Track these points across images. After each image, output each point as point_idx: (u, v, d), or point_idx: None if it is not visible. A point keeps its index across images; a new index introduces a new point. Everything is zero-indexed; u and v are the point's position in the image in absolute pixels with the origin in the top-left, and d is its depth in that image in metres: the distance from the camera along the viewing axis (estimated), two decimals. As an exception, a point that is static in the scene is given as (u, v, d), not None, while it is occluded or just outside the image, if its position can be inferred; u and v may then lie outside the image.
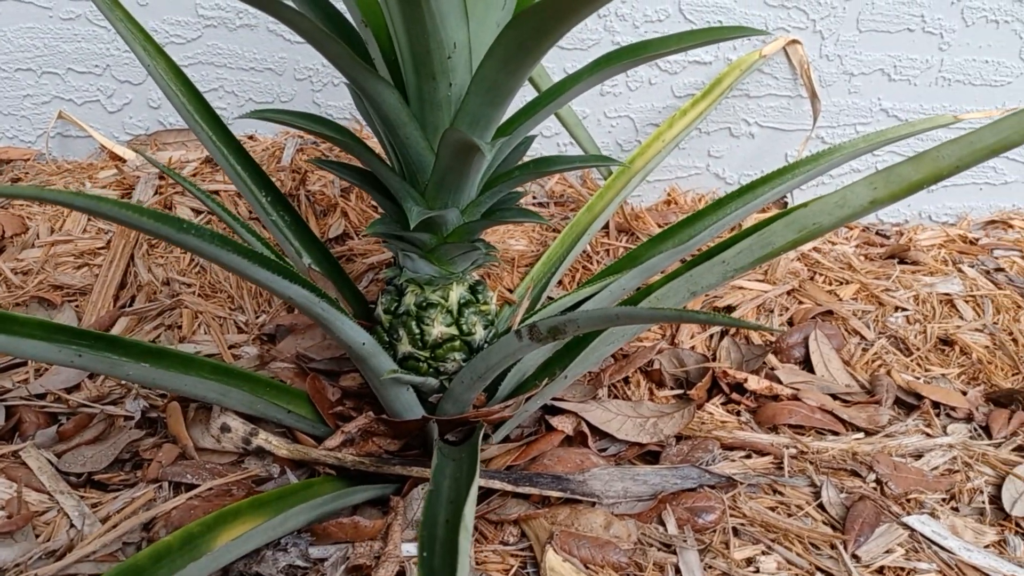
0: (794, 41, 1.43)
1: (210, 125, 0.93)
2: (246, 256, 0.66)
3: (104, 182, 1.28)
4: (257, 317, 1.09)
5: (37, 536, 0.78)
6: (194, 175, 1.31)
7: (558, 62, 1.40)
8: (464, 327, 0.91)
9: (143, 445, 0.90)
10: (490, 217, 0.87)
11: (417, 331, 0.89)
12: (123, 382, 0.98)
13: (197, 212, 1.23)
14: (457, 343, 0.90)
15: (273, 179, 1.27)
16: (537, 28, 0.64)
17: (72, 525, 0.80)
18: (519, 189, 0.90)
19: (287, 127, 1.43)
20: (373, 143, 1.37)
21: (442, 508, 0.61)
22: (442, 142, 0.73)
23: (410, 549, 0.80)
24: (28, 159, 1.37)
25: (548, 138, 1.48)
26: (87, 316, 1.07)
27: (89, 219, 1.21)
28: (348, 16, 0.81)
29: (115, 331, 1.05)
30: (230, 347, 1.04)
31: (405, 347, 0.90)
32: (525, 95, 1.32)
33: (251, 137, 1.41)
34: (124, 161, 1.36)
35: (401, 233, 0.85)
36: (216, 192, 1.26)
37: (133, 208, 0.58)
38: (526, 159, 0.90)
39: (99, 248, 1.16)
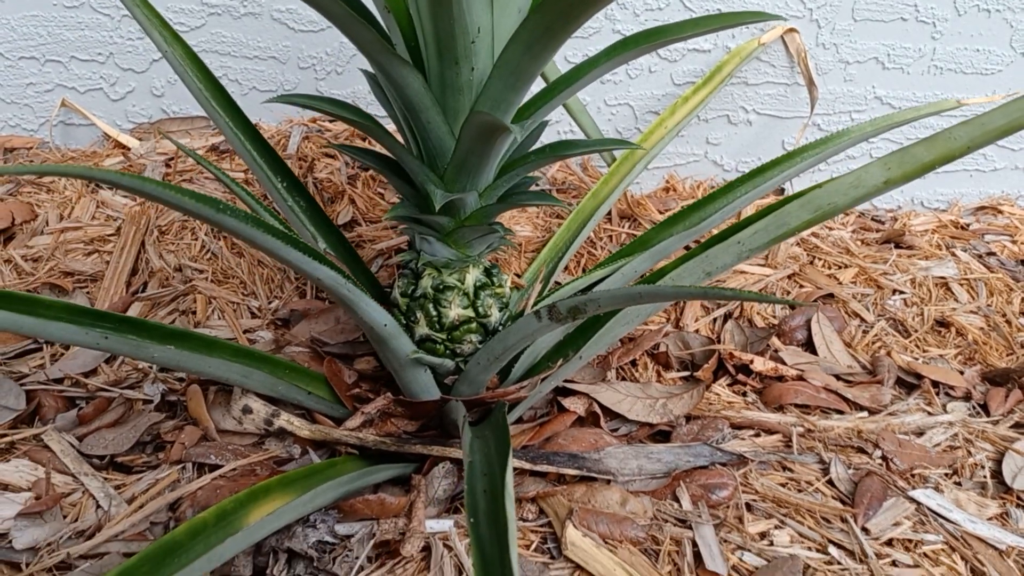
0: (792, 30, 1.45)
1: (227, 111, 0.93)
2: (280, 238, 0.67)
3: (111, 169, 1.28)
4: (270, 302, 1.10)
5: (65, 517, 0.79)
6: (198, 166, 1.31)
7: (558, 50, 1.41)
8: (480, 309, 0.92)
9: (163, 428, 0.91)
10: (507, 200, 0.88)
11: (434, 313, 0.91)
12: (140, 366, 0.99)
13: (205, 199, 1.24)
14: (473, 325, 0.92)
15: (281, 166, 1.28)
16: (563, 12, 0.66)
17: (99, 506, 0.80)
18: (534, 174, 0.92)
19: (291, 116, 1.44)
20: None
21: (478, 480, 0.62)
22: (466, 124, 0.75)
23: (433, 525, 0.81)
24: (31, 147, 1.36)
25: (550, 125, 1.49)
26: (99, 302, 1.07)
27: (98, 206, 1.21)
28: (369, 2, 0.82)
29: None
30: (245, 332, 1.05)
31: (423, 329, 0.91)
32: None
33: (256, 126, 1.41)
34: (128, 149, 1.36)
35: (420, 216, 0.86)
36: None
37: (175, 188, 0.59)
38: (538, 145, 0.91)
39: (109, 235, 1.16)
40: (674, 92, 1.49)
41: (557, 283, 1.20)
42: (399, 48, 0.81)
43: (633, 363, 1.13)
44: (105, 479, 0.84)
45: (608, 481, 0.91)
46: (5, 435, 0.87)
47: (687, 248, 1.26)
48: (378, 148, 1.04)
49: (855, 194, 0.75)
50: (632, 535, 0.84)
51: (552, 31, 0.69)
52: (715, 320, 1.23)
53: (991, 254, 1.48)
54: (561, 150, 0.87)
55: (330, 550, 0.77)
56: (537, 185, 1.48)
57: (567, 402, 1.02)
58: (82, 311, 0.75)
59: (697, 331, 1.21)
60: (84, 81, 1.38)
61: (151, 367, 0.99)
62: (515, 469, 0.89)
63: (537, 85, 0.92)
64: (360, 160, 0.87)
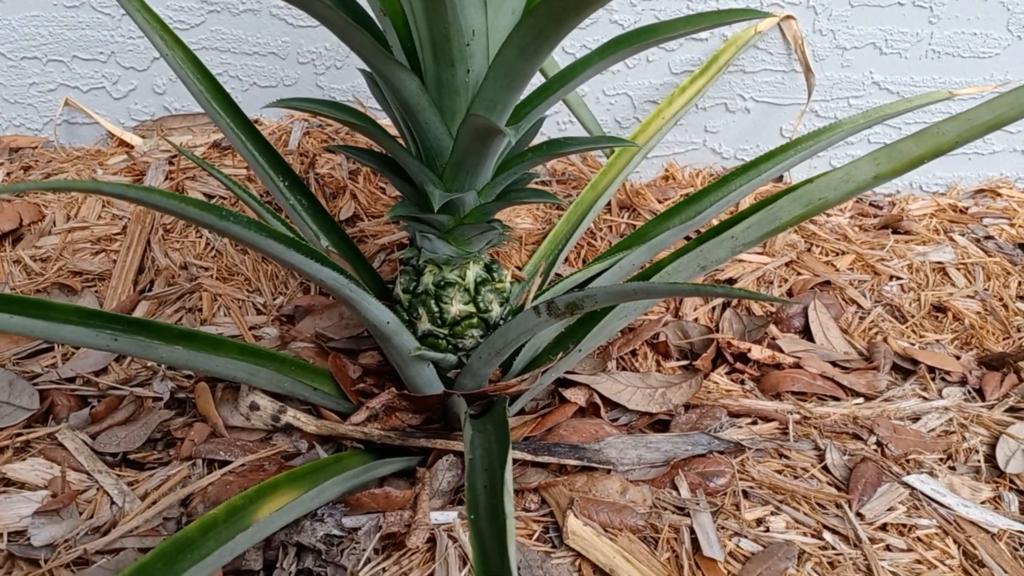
0: (788, 17, 1.45)
1: (228, 113, 0.95)
2: (283, 242, 0.69)
3: (115, 168, 1.30)
4: (275, 299, 1.12)
5: (81, 513, 0.82)
6: (204, 158, 1.33)
7: (552, 51, 1.42)
8: (481, 304, 0.94)
9: (173, 425, 0.93)
10: (505, 198, 0.90)
11: (436, 309, 0.93)
12: (149, 364, 1.01)
13: (209, 196, 1.26)
14: (475, 320, 0.94)
15: (283, 163, 1.30)
16: (554, 17, 0.67)
17: (113, 502, 0.83)
18: (532, 170, 0.93)
19: (292, 112, 1.45)
20: (387, 126, 1.39)
21: (479, 476, 0.65)
22: (463, 127, 0.76)
23: (437, 517, 0.83)
24: (36, 147, 1.38)
25: (549, 116, 1.50)
26: (108, 301, 1.09)
27: (104, 205, 1.22)
28: (365, 5, 0.83)
29: (137, 315, 1.08)
30: (251, 328, 1.07)
31: (425, 325, 0.93)
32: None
33: (256, 122, 1.43)
34: (132, 147, 1.37)
35: (420, 215, 0.87)
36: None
37: (179, 198, 0.61)
38: (536, 141, 0.93)
39: (115, 234, 1.18)
40: (672, 81, 1.50)
41: (558, 275, 1.22)
42: (395, 51, 0.83)
43: (633, 353, 1.15)
44: (118, 476, 0.86)
45: (608, 471, 0.93)
46: (20, 434, 0.90)
47: (687, 239, 1.27)
48: (377, 147, 1.06)
49: (845, 189, 0.76)
50: (632, 523, 0.86)
51: (544, 34, 0.70)
52: (714, 309, 1.25)
53: (989, 238, 1.49)
54: (557, 148, 0.88)
55: (338, 543, 0.79)
56: (537, 177, 1.49)
57: (568, 393, 1.03)
58: (92, 313, 0.77)
59: (696, 320, 1.22)
60: (86, 80, 1.39)
61: (160, 365, 1.01)
62: (517, 460, 0.92)
63: (535, 79, 0.93)
64: (360, 160, 0.89)
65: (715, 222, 1.36)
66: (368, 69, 0.84)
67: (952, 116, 0.71)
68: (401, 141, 0.90)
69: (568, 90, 0.85)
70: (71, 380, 0.97)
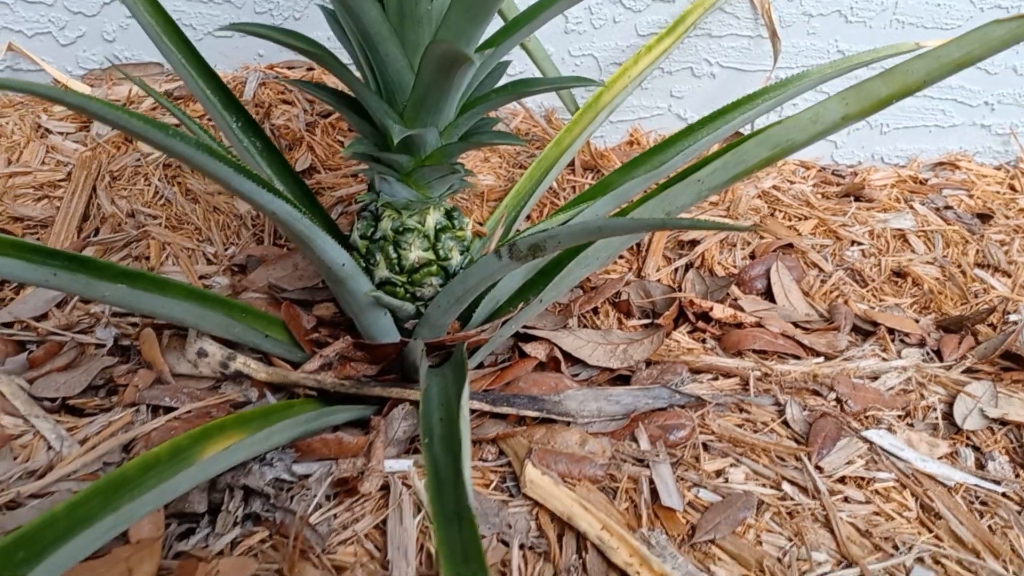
0: (756, -19, 1.44)
1: (180, 49, 0.91)
2: (232, 167, 0.65)
3: (61, 115, 1.24)
4: (226, 249, 1.08)
5: (15, 458, 0.78)
6: (154, 109, 1.28)
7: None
8: (441, 252, 0.91)
9: (117, 372, 0.89)
10: (468, 139, 0.87)
11: (394, 256, 0.90)
12: (92, 311, 0.97)
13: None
14: (434, 268, 0.91)
15: (237, 112, 1.25)
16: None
17: (50, 447, 0.79)
18: (493, 115, 0.91)
19: (248, 63, 1.41)
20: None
21: (435, 410, 0.62)
22: (426, 55, 0.73)
23: (392, 465, 0.81)
24: (-24, 92, 1.32)
25: (511, 76, 1.47)
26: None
27: (47, 151, 1.17)
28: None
29: (80, 262, 1.03)
30: (200, 278, 1.03)
31: (382, 272, 0.90)
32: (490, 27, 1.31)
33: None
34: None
35: (379, 154, 0.84)
36: (178, 125, 1.23)
37: (123, 110, 0.58)
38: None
39: (59, 180, 1.13)
40: (638, 43, 1.48)
41: (519, 231, 1.20)
42: (356, -22, 0.79)
43: (595, 311, 1.13)
44: (57, 421, 0.82)
45: (568, 423, 0.91)
46: (-49, 378, 0.85)
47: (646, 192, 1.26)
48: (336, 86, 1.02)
49: (813, 130, 0.75)
50: (591, 473, 0.85)
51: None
52: (676, 270, 1.23)
53: (948, 207, 1.50)
54: (523, 87, 0.86)
55: (287, 488, 0.76)
56: (501, 120, 1.47)
57: (528, 348, 1.01)
58: (31, 248, 0.73)
59: (659, 280, 1.21)
60: (32, 24, 1.33)
61: (103, 312, 0.96)
62: (475, 411, 0.89)
63: (497, 24, 0.90)
64: (316, 96, 0.85)
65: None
66: (329, 6, 0.81)
67: (920, 54, 0.70)
68: (360, 75, 0.87)
69: (534, 27, 0.83)
70: (8, 325, 0.93)
